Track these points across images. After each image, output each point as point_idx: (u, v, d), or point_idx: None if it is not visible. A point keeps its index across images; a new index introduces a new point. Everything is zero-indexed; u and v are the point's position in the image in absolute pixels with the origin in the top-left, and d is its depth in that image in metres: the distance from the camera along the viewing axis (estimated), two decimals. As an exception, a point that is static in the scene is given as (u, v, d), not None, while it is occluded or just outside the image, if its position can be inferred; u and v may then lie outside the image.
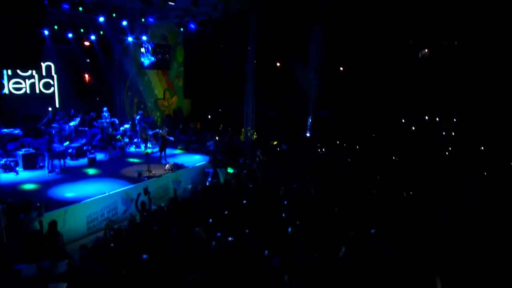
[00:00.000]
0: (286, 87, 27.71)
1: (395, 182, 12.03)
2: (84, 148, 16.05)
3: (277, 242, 7.55)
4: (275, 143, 21.24)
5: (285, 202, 9.27)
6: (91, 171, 14.12)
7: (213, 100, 27.93)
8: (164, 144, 15.32)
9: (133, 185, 12.41)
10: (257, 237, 7.68)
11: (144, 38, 19.67)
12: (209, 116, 27.07)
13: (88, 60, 19.96)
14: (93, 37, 18.47)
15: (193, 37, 22.93)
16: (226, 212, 8.89)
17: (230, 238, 7.35)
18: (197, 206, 9.43)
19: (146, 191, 10.36)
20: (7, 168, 13.27)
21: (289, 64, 28.24)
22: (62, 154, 13.58)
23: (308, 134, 22.91)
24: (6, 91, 16.73)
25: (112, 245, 7.44)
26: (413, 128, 22.59)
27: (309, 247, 7.25)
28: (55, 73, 18.61)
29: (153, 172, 13.46)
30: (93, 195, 11.40)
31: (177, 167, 14.43)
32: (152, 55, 21.15)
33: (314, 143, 18.70)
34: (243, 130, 21.17)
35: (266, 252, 7.12)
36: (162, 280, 6.44)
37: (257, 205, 9.61)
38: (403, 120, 24.39)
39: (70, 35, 17.88)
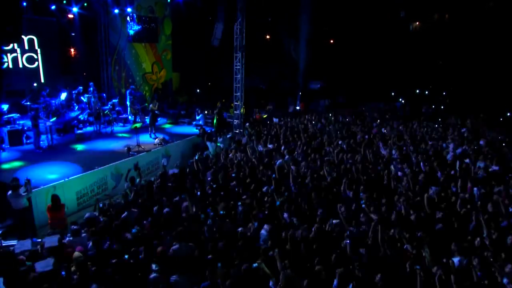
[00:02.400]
0: (277, 60, 27.49)
1: (383, 156, 12.16)
2: (72, 123, 15.87)
3: (267, 214, 7.65)
4: (265, 116, 21.23)
5: (273, 176, 9.33)
6: (79, 146, 14.04)
7: (203, 73, 27.64)
8: (153, 118, 15.20)
9: (122, 160, 12.36)
10: (247, 210, 7.78)
11: (129, 10, 19.12)
12: (198, 90, 26.85)
13: (73, 34, 19.44)
14: (75, 9, 17.93)
15: (181, 9, 22.38)
16: (214, 186, 8.94)
17: (221, 212, 7.43)
18: (187, 180, 9.45)
19: (136, 166, 10.32)
20: (-7, 145, 13.12)
21: (279, 37, 27.93)
22: (49, 130, 13.39)
23: (298, 107, 22.87)
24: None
25: (101, 219, 7.47)
26: (402, 100, 22.66)
27: (297, 219, 7.38)
28: (39, 47, 18.10)
29: (142, 147, 13.42)
30: (82, 171, 11.38)
31: (166, 141, 14.39)
32: (138, 24, 20.63)
33: (304, 116, 18.69)
34: (232, 104, 21.04)
35: (256, 224, 7.23)
36: (153, 252, 6.52)
37: (247, 178, 9.67)
38: (392, 93, 24.43)
39: (53, 7, 17.36)
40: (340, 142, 13.31)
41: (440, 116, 19.44)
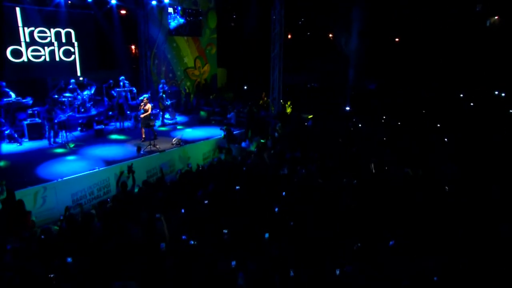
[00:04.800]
0: (332, 57, 25.26)
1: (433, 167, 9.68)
2: (97, 118, 15.14)
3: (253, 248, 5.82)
4: (310, 117, 19.13)
5: (283, 194, 7.36)
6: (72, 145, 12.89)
7: (251, 69, 26.11)
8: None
9: (130, 161, 11.09)
10: (232, 239, 6.01)
11: (166, 1, 18.14)
12: (245, 87, 25.34)
13: (112, 27, 18.90)
14: (113, 1, 17.28)
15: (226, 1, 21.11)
16: (206, 202, 7.23)
17: (192, 242, 5.71)
18: (176, 191, 7.87)
19: (130, 169, 8.94)
20: (12, 139, 12.65)
21: (332, 31, 25.73)
22: (64, 125, 12.60)
23: (348, 108, 20.47)
24: (25, 59, 16.05)
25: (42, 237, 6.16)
26: (472, 104, 19.29)
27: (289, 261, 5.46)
28: (76, 40, 17.69)
29: (157, 146, 12.12)
30: (84, 171, 10.32)
31: (185, 141, 12.99)
32: (182, 17, 19.65)
33: (351, 118, 16.35)
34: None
35: (234, 263, 5.42)
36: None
37: (253, 192, 7.85)
38: (461, 95, 21.09)
39: None
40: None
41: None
